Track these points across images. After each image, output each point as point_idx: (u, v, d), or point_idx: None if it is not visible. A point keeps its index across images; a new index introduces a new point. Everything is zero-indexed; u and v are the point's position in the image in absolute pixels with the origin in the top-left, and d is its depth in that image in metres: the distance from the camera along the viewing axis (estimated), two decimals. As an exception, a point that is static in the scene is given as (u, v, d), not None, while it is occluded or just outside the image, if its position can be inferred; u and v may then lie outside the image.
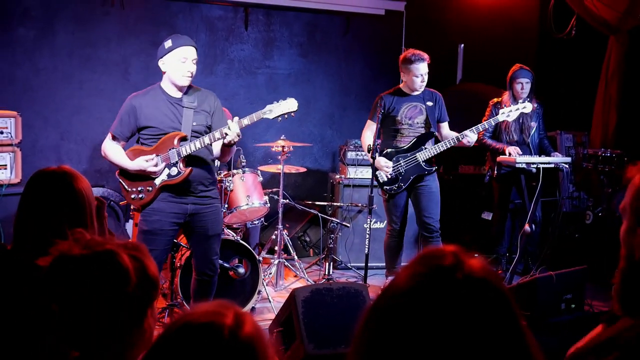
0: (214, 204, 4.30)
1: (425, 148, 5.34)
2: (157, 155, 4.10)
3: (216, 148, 4.32)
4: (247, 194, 5.33)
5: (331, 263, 5.92)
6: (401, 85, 5.46)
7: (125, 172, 4.21)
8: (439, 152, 5.33)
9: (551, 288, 4.60)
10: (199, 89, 4.31)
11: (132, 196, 4.20)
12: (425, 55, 5.26)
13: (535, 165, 5.64)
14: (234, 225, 5.61)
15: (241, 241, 5.01)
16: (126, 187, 4.21)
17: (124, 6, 6.69)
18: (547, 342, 4.52)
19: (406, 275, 1.08)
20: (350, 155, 6.74)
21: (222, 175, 5.24)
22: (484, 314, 1.02)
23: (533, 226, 5.70)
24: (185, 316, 1.26)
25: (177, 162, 4.11)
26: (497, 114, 5.66)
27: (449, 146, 5.32)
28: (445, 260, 1.07)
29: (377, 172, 5.37)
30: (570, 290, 4.75)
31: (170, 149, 4.10)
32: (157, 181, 4.13)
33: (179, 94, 4.21)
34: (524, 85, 5.90)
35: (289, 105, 4.22)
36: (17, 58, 6.36)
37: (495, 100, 6.07)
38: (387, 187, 5.38)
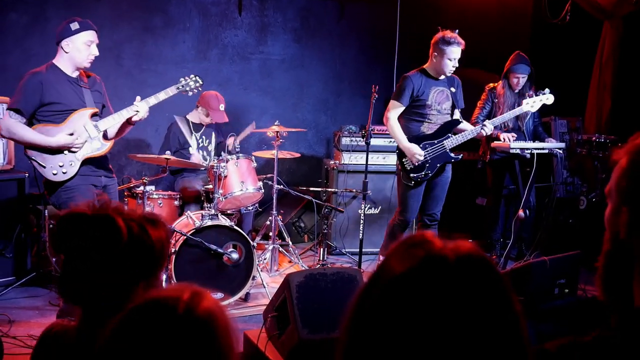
0: (115, 178, 4.64)
1: (451, 136, 5.25)
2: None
3: (112, 128, 4.49)
4: (241, 180, 5.32)
5: (325, 248, 5.92)
6: (427, 67, 5.27)
7: (35, 149, 4.23)
8: (465, 140, 5.28)
9: (545, 273, 4.61)
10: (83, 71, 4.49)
11: (54, 172, 4.23)
12: (463, 41, 5.11)
13: (529, 151, 5.65)
14: (228, 211, 5.60)
15: (235, 227, 5.01)
16: (41, 162, 4.23)
17: (117, -9, 6.65)
18: (541, 327, 4.55)
19: (398, 260, 1.07)
20: (345, 141, 6.72)
21: (215, 161, 5.22)
22: (478, 298, 1.01)
23: (527, 212, 5.72)
24: (146, 295, 1.30)
25: (97, 137, 4.33)
26: (493, 100, 5.69)
27: (473, 136, 5.28)
28: (435, 244, 1.07)
29: (403, 160, 5.23)
30: (564, 275, 4.76)
31: (85, 124, 4.29)
32: (79, 155, 4.28)
33: (74, 74, 4.38)
34: (520, 80, 5.90)
35: (197, 81, 4.79)
36: (8, 44, 6.31)
37: (491, 85, 6.07)
38: (414, 175, 5.21)
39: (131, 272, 1.66)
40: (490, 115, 6.08)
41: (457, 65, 5.16)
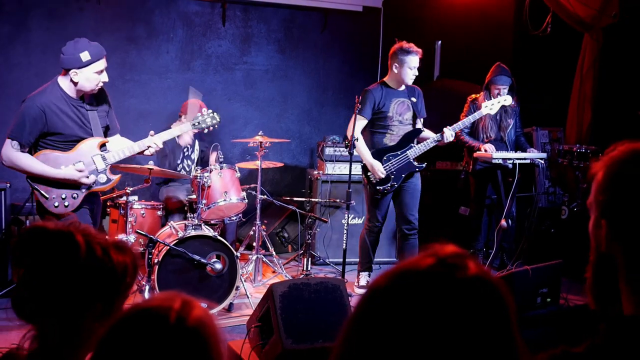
0: (99, 194, 4.48)
1: (414, 145, 5.34)
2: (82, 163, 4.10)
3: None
4: (225, 190, 5.31)
5: (309, 259, 5.90)
6: (387, 79, 5.39)
7: (39, 178, 4.07)
8: (428, 149, 5.35)
9: (527, 282, 4.63)
10: None
11: (55, 203, 4.08)
12: (420, 50, 5.25)
13: (511, 161, 5.69)
14: (212, 221, 5.58)
15: (219, 237, 4.99)
16: (44, 193, 4.06)
17: (100, 1, 6.64)
18: (524, 335, 4.56)
19: (386, 273, 1.08)
20: (328, 151, 6.74)
21: (199, 171, 5.21)
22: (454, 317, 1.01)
23: (509, 221, 5.75)
24: (136, 304, 1.29)
25: (104, 170, 4.18)
26: (475, 111, 5.73)
27: (434, 144, 5.35)
28: (426, 260, 1.06)
29: (368, 174, 5.35)
30: (546, 284, 4.79)
31: (93, 156, 4.13)
32: (84, 188, 4.15)
33: (79, 96, 4.17)
34: (501, 91, 5.95)
35: (214, 118, 4.61)
36: (-10, 53, 6.29)
37: (473, 96, 6.12)
38: (380, 187, 5.35)
39: (88, 293, 1.61)
40: (473, 127, 6.12)
41: (417, 74, 5.30)
